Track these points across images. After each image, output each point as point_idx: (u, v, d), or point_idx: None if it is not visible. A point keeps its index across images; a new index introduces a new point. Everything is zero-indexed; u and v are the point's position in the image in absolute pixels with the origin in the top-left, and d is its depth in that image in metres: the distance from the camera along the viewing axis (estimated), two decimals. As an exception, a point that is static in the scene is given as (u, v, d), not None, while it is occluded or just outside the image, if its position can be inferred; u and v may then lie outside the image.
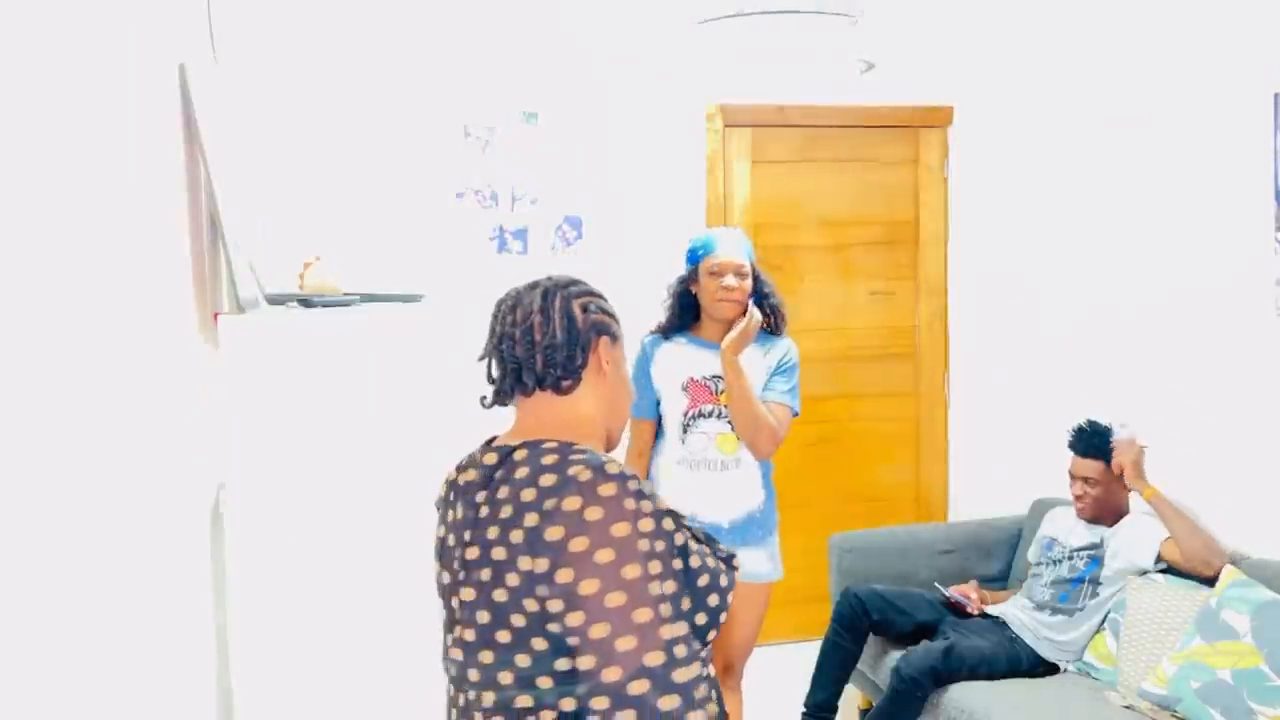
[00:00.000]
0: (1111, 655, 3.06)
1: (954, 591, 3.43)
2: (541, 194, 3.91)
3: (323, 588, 3.39)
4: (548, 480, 1.39)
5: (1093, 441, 3.22)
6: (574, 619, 1.33)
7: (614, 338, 1.59)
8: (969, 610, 3.36)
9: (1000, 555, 3.78)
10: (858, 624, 3.31)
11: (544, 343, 1.51)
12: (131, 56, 1.53)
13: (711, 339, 2.83)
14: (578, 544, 1.34)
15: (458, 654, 1.47)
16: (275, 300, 2.12)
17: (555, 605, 1.34)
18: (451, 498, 1.55)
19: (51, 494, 1.02)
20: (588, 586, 1.32)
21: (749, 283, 2.79)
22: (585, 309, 1.56)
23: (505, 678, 1.39)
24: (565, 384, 1.52)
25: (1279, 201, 2.99)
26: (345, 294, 2.48)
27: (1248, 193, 3.09)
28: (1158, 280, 3.45)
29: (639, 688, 1.30)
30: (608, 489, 1.36)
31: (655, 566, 1.35)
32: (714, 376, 2.82)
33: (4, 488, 0.88)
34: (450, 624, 1.52)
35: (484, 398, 1.59)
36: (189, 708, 1.82)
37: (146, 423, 1.51)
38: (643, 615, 1.32)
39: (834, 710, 3.28)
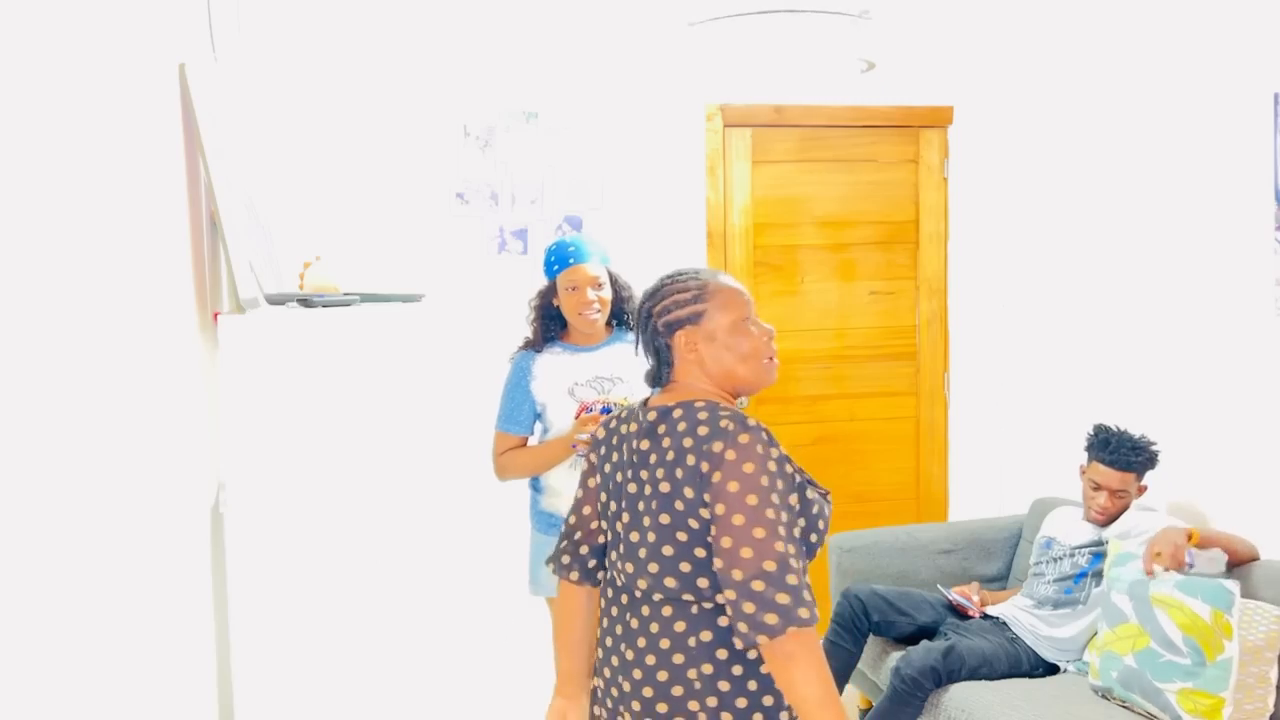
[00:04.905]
0: (1111, 655, 3.07)
1: (956, 593, 3.42)
2: (541, 194, 3.92)
3: (321, 585, 3.40)
4: (703, 430, 1.77)
5: (1130, 457, 3.17)
6: (716, 534, 1.73)
7: (693, 321, 1.87)
8: (971, 613, 3.36)
9: (1000, 555, 3.78)
10: (858, 626, 3.31)
11: (645, 361, 1.94)
12: (131, 56, 1.53)
13: (584, 343, 2.89)
14: (717, 476, 1.73)
15: (628, 566, 1.85)
16: (275, 300, 2.12)
17: (706, 524, 1.75)
18: (615, 443, 1.93)
19: (52, 493, 1.02)
20: (721, 509, 1.72)
21: (608, 291, 2.86)
22: (660, 316, 1.88)
23: (670, 581, 1.79)
24: (669, 380, 1.91)
25: (1279, 201, 2.99)
26: (345, 294, 2.47)
27: (1248, 193, 3.09)
28: (1158, 280, 3.45)
29: (758, 586, 1.67)
30: (744, 437, 1.74)
31: (772, 498, 1.72)
32: (596, 378, 2.87)
33: (5, 487, 0.88)
34: (614, 542, 1.90)
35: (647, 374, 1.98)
36: (189, 705, 1.82)
37: (147, 422, 1.51)
38: (759, 532, 1.69)
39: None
